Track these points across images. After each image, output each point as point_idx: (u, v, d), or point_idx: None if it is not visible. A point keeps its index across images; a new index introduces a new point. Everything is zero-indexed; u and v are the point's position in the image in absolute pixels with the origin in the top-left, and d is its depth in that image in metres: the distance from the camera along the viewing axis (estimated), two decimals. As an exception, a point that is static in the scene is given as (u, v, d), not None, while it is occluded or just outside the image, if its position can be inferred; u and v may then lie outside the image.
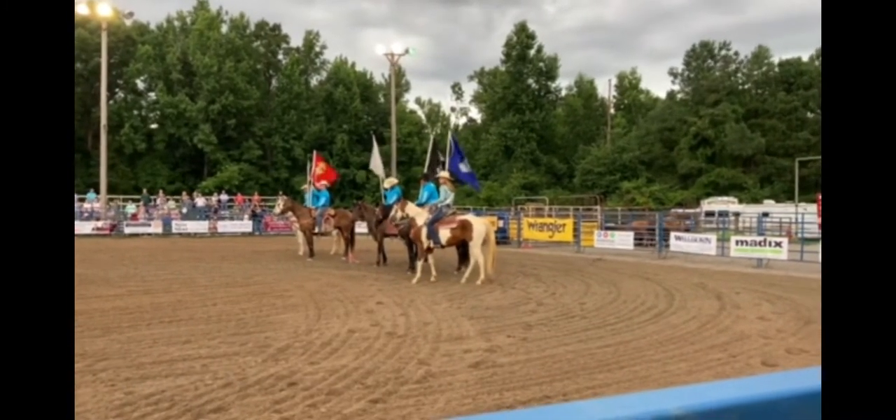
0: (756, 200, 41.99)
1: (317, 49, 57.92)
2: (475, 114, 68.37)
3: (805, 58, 52.38)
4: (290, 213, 19.81)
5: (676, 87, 57.03)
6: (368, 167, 31.34)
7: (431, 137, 22.24)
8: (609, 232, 22.92)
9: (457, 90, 68.99)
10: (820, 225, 26.48)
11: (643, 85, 64.87)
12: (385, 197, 17.96)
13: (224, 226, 32.76)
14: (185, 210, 34.07)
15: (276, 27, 56.14)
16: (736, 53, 53.91)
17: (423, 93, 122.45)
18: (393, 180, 18.41)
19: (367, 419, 4.64)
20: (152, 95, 51.57)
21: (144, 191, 36.42)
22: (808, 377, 0.94)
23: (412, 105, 65.89)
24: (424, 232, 13.07)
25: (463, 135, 61.13)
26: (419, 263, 13.21)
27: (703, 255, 18.61)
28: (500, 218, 26.77)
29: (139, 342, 6.94)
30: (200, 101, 49.32)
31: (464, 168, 17.85)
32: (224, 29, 53.09)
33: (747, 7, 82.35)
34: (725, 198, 41.27)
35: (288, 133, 53.12)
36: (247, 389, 5.22)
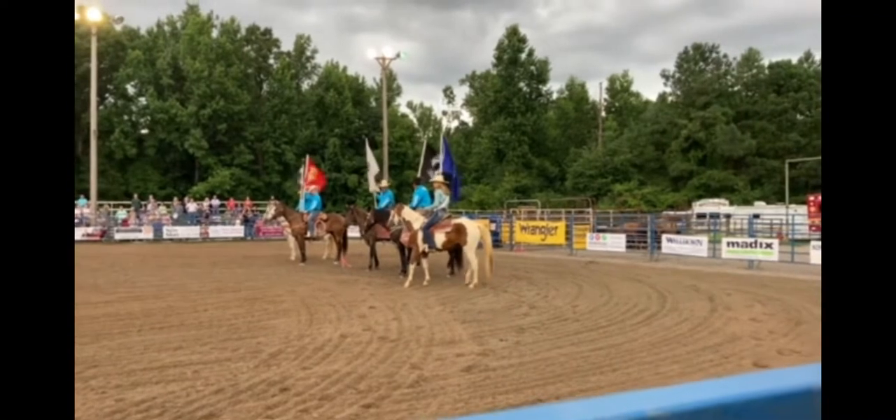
0: (747, 202, 42.23)
1: (308, 53, 57.85)
2: (467, 117, 68.53)
3: (794, 60, 52.86)
4: (281, 218, 19.74)
5: (669, 89, 57.40)
6: (364, 169, 31.26)
7: (424, 141, 22.24)
8: (601, 234, 22.99)
9: (448, 94, 69.09)
10: (812, 226, 26.69)
11: (635, 88, 65.25)
12: (377, 200, 17.93)
13: (215, 231, 32.60)
14: (176, 215, 33.88)
15: (267, 31, 56.02)
16: (725, 56, 54.36)
17: (415, 97, 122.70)
18: (384, 183, 18.40)
19: (360, 424, 4.63)
20: (143, 100, 51.33)
21: (135, 196, 36.21)
22: (786, 377, 0.96)
23: (404, 109, 65.99)
24: (420, 236, 13.09)
25: (455, 138, 61.21)
26: (411, 267, 13.22)
27: (695, 257, 18.70)
28: (492, 221, 26.79)
29: (130, 349, 6.90)
30: (191, 105, 49.11)
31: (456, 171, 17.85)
32: (215, 33, 52.91)
33: (737, 10, 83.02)
34: (716, 200, 41.51)
35: (279, 137, 52.98)
36: (238, 395, 5.20)
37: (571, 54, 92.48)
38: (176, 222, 32.89)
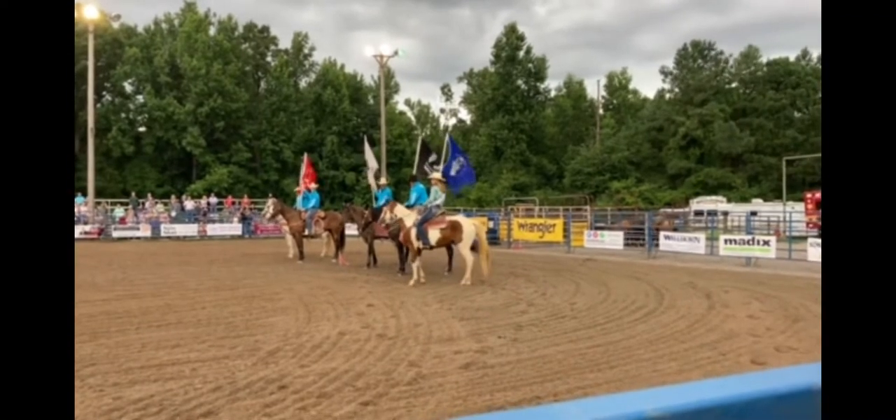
0: (744, 199, 42.32)
1: (306, 51, 57.81)
2: (465, 115, 68.51)
3: (792, 57, 52.97)
4: (280, 217, 19.70)
5: (667, 86, 57.47)
6: (362, 166, 31.23)
7: (420, 138, 22.17)
8: (599, 232, 23.01)
9: (446, 91, 69.09)
10: (809, 222, 26.74)
11: (633, 85, 65.34)
12: (375, 198, 17.89)
13: (213, 229, 32.57)
14: (173, 213, 33.83)
15: (265, 29, 55.98)
16: (721, 52, 54.45)
17: (413, 94, 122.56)
18: (383, 180, 18.36)
19: (358, 422, 4.63)
20: (140, 98, 51.30)
21: (133, 194, 36.15)
22: (786, 376, 0.95)
23: (402, 107, 65.98)
24: (414, 233, 13.04)
25: (453, 136, 61.09)
26: (415, 265, 13.09)
27: (693, 255, 18.72)
28: (490, 218, 26.80)
29: (127, 347, 6.89)
30: (189, 103, 49.04)
31: (459, 165, 17.36)
32: (212, 31, 52.83)
33: (736, 8, 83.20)
34: (714, 197, 41.56)
35: (277, 135, 52.94)
36: (236, 393, 5.19)
37: (570, 52, 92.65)
38: (174, 220, 32.85)
